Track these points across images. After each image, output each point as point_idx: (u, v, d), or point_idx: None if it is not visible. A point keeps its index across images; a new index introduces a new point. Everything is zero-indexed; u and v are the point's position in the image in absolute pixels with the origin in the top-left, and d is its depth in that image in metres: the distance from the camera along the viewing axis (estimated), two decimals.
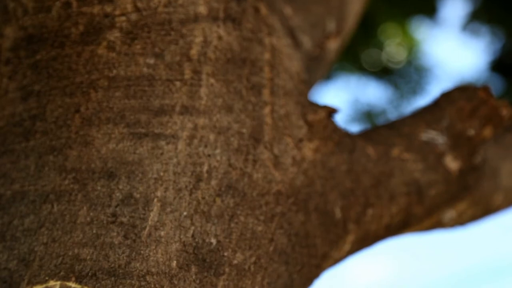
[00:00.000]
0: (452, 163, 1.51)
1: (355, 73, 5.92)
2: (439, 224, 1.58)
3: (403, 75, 5.90)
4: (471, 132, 1.52)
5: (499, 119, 1.52)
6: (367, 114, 5.83)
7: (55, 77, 1.29)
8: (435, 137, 1.49)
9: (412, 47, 5.91)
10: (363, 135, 1.51)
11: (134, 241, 1.19)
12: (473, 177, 1.56)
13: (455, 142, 1.51)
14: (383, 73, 5.89)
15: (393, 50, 5.88)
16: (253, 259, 1.25)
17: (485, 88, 1.52)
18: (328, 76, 5.49)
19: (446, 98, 1.54)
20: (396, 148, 1.48)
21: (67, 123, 1.26)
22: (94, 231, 1.19)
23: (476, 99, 1.51)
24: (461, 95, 1.53)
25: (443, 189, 1.52)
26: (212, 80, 1.31)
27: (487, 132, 1.52)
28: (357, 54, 5.71)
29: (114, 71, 1.29)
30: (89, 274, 1.16)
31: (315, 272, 1.40)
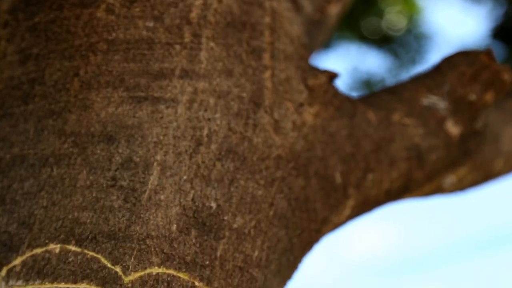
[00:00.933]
0: (453, 128, 1.51)
1: (355, 42, 5.90)
2: (439, 189, 1.58)
3: (403, 43, 5.88)
4: (473, 97, 1.51)
5: (500, 84, 1.51)
6: (366, 83, 5.81)
7: (53, 40, 1.28)
8: (436, 102, 1.49)
9: (412, 14, 5.88)
10: (363, 100, 1.50)
11: (134, 204, 1.19)
12: (474, 142, 1.56)
13: (456, 107, 1.51)
14: (383, 41, 5.87)
15: (393, 17, 5.85)
16: (253, 223, 1.26)
17: (488, 52, 1.51)
18: (328, 44, 5.47)
19: (448, 62, 1.53)
20: (396, 113, 1.48)
21: (66, 87, 1.26)
22: (94, 195, 1.19)
23: (478, 63, 1.51)
24: (463, 59, 1.52)
25: (444, 154, 1.52)
26: (212, 44, 1.30)
27: (489, 97, 1.52)
28: (357, 22, 5.68)
29: (113, 34, 1.28)
30: (89, 237, 1.16)
31: (315, 236, 1.40)
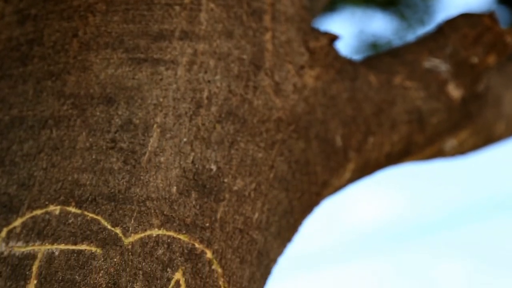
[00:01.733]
0: (454, 91, 1.50)
1: (361, 5, 5.85)
2: (440, 153, 1.58)
3: (410, 5, 5.82)
4: (475, 59, 1.50)
5: (503, 47, 1.50)
6: (373, 45, 5.77)
7: (52, 1, 1.27)
8: (438, 64, 1.48)
9: None
10: (365, 62, 1.49)
11: (134, 166, 1.19)
12: (476, 105, 1.55)
13: (458, 70, 1.50)
14: (389, 3, 5.82)
15: None
16: (253, 185, 1.26)
17: (491, 15, 1.50)
18: (333, 8, 5.42)
19: (450, 25, 1.52)
20: (398, 76, 1.47)
21: (65, 48, 1.25)
22: (94, 157, 1.19)
23: (481, 26, 1.50)
24: (465, 22, 1.51)
25: (445, 117, 1.51)
26: (212, 5, 1.29)
27: (491, 59, 1.51)
28: None
29: None
30: (89, 199, 1.16)
31: (315, 199, 1.40)
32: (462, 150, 1.60)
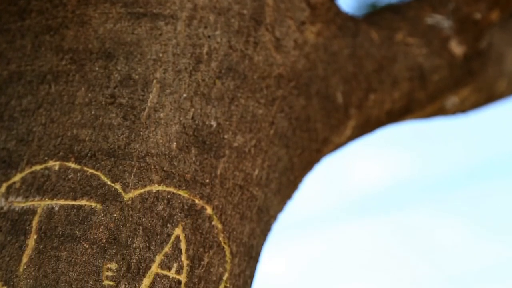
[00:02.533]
0: (457, 48, 1.49)
1: None
2: (441, 111, 1.58)
3: None
4: (478, 15, 1.49)
5: (506, 3, 1.49)
6: (372, 6, 5.74)
7: None
8: (441, 21, 1.47)
9: None
10: (366, 19, 1.48)
11: (134, 122, 1.18)
12: (478, 62, 1.54)
13: (460, 26, 1.49)
14: None
15: None
16: (253, 142, 1.25)
17: None
18: None
19: None
20: (400, 33, 1.46)
21: (63, 2, 1.24)
22: (93, 112, 1.18)
23: None
24: None
25: (447, 74, 1.50)
26: None
27: (494, 16, 1.50)
28: None
29: None
30: (89, 154, 1.16)
31: (316, 156, 1.40)
32: (463, 107, 1.60)
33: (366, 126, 1.47)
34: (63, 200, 1.14)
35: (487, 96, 1.62)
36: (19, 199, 1.14)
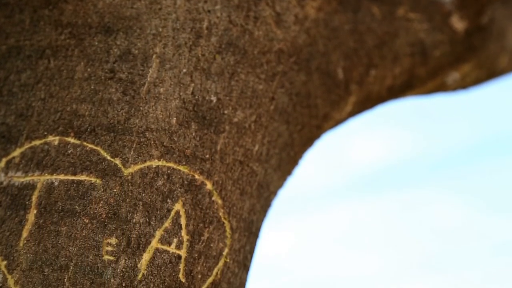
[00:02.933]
0: (458, 23, 1.49)
1: None
2: (442, 87, 1.57)
3: None
4: None
5: None
6: None
7: None
8: None
9: None
10: None
11: (133, 97, 1.18)
12: (479, 38, 1.53)
13: (462, 2, 1.48)
14: None
15: None
16: (253, 117, 1.25)
17: None
18: None
19: None
20: (401, 8, 1.45)
21: None
22: (92, 87, 1.18)
23: None
24: None
25: (448, 50, 1.50)
26: None
27: None
28: None
29: None
30: (88, 129, 1.16)
31: (316, 132, 1.40)
32: (464, 84, 1.59)
33: (367, 102, 1.47)
34: (62, 175, 1.14)
35: (489, 72, 1.61)
36: (19, 174, 1.14)
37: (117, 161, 1.15)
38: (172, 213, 1.15)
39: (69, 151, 1.15)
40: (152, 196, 1.15)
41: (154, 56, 1.20)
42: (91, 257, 1.11)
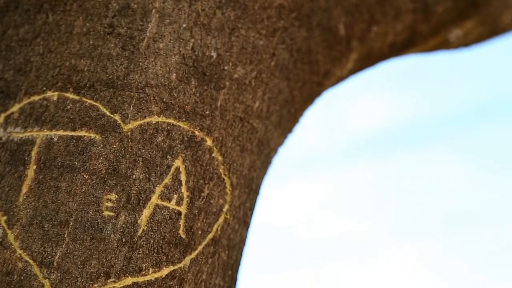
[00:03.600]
0: None
1: None
2: (444, 44, 1.56)
3: None
4: None
5: None
6: None
7: None
8: None
9: None
10: None
11: (132, 52, 1.17)
12: None
13: None
14: None
15: None
16: (254, 73, 1.24)
17: None
18: None
19: None
20: None
21: None
22: (91, 42, 1.17)
23: None
24: None
25: (451, 6, 1.48)
26: None
27: None
28: None
29: None
30: (87, 85, 1.15)
31: (317, 89, 1.39)
32: (467, 41, 1.58)
33: (368, 59, 1.46)
34: (62, 130, 1.13)
35: (491, 30, 1.60)
36: (18, 129, 1.14)
37: (117, 117, 1.14)
38: (172, 169, 1.15)
39: (68, 107, 1.14)
40: (152, 152, 1.14)
41: (153, 11, 1.19)
42: (91, 212, 1.11)
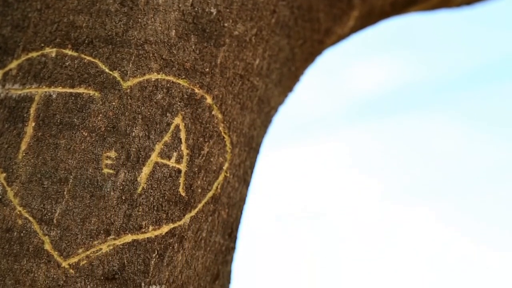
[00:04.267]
0: None
1: None
2: (446, 3, 1.55)
3: None
4: None
5: None
6: None
7: None
8: None
9: None
10: None
11: (131, 8, 1.16)
12: None
13: None
14: None
15: None
16: (254, 30, 1.23)
17: None
18: None
19: None
20: None
21: None
22: None
23: None
24: None
25: None
26: None
27: None
28: None
29: None
30: (86, 41, 1.14)
31: (318, 47, 1.38)
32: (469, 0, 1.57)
33: (370, 17, 1.45)
34: (60, 87, 1.13)
35: None
36: (16, 86, 1.13)
37: (116, 74, 1.14)
38: (172, 127, 1.15)
39: (67, 63, 1.13)
40: (152, 109, 1.14)
41: None
42: (90, 170, 1.11)
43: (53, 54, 1.14)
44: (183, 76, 1.17)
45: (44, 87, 1.13)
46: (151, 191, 1.13)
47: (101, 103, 1.13)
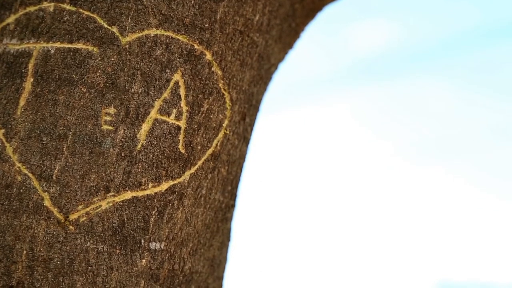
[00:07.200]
0: None
1: None
2: None
3: None
4: None
5: None
6: None
7: None
8: None
9: None
10: None
11: None
12: None
13: None
14: None
15: None
16: None
17: None
18: None
19: None
20: None
21: None
22: None
23: None
24: None
25: None
26: None
27: None
28: None
29: None
30: None
31: (318, 3, 1.39)
32: None
33: None
34: (59, 43, 1.14)
35: None
36: (14, 41, 1.14)
37: (114, 29, 1.15)
38: (171, 83, 1.16)
39: (65, 18, 1.14)
40: (151, 65, 1.15)
41: None
42: (89, 126, 1.12)
43: (51, 9, 1.15)
44: (182, 32, 1.17)
45: (42, 42, 1.14)
46: (151, 147, 1.14)
47: (99, 58, 1.14)
